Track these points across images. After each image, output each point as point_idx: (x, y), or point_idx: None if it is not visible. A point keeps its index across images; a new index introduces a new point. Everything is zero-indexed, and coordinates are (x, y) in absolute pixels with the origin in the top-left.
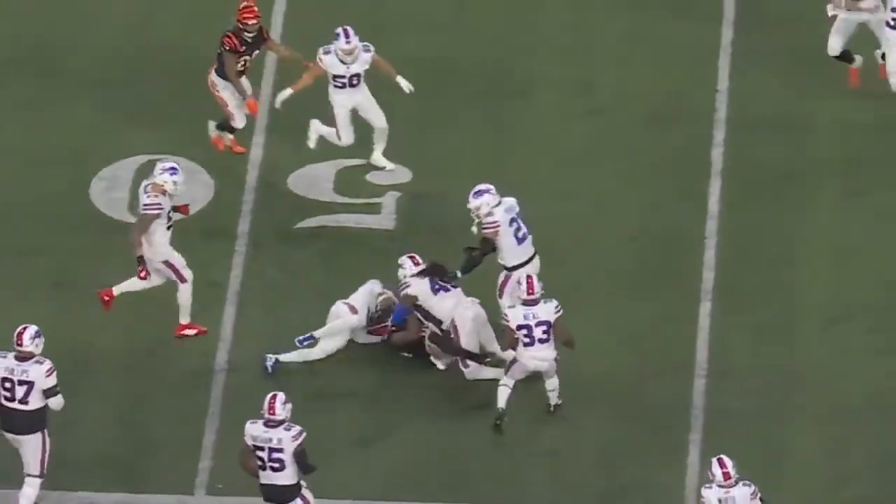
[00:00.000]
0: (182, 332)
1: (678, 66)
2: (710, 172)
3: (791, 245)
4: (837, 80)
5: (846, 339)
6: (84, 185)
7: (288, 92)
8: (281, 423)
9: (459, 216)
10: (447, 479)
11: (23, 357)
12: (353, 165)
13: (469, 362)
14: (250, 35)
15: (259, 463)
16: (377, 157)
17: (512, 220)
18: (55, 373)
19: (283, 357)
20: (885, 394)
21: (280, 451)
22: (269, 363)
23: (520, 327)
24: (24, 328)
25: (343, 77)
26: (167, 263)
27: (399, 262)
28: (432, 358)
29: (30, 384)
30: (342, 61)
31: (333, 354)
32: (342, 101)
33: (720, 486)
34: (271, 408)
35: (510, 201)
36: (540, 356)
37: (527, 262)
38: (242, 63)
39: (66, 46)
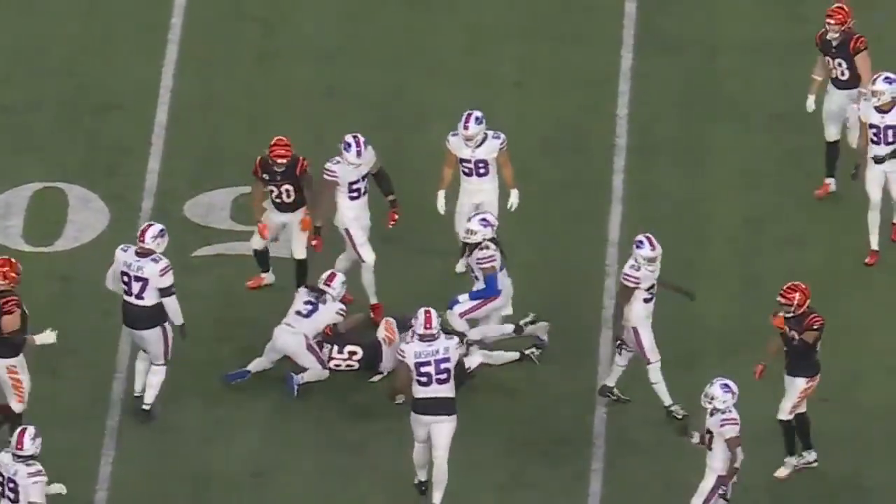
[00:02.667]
0: None
1: (577, 92)
2: (612, 199)
3: (692, 272)
4: (735, 106)
5: (748, 367)
6: None
7: (441, 196)
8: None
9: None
10: None
11: (142, 253)
12: (249, 193)
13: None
14: (279, 170)
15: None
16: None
17: None
18: (171, 272)
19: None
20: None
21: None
22: (296, 383)
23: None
24: (149, 225)
25: (468, 162)
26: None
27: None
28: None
29: (144, 281)
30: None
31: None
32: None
33: None
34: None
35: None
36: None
37: None
38: (273, 192)
39: None
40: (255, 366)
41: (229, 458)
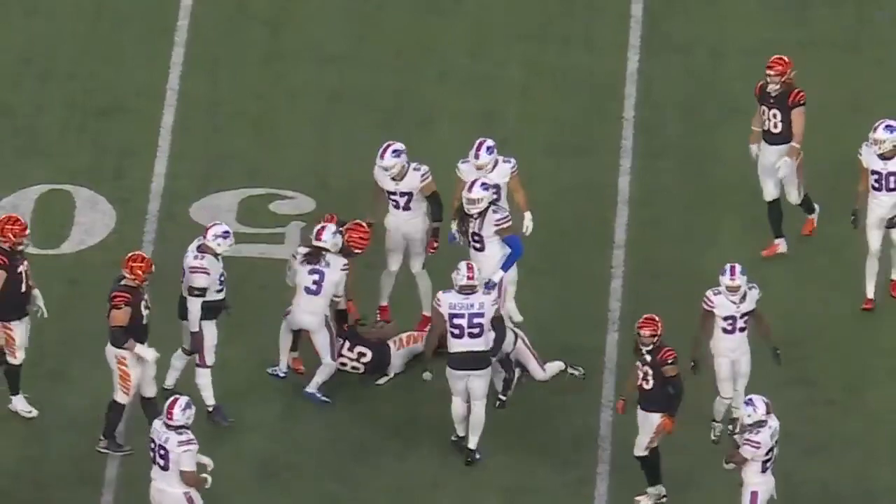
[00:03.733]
0: None
1: (583, 94)
2: (617, 202)
3: (698, 275)
4: (742, 109)
5: (754, 371)
6: None
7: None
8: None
9: None
10: None
11: (200, 248)
12: (256, 195)
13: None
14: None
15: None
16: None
17: None
18: (203, 275)
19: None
20: (791, 425)
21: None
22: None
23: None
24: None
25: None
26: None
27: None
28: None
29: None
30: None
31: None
32: None
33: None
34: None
35: None
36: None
37: None
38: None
39: None
40: (283, 365)
41: (237, 459)
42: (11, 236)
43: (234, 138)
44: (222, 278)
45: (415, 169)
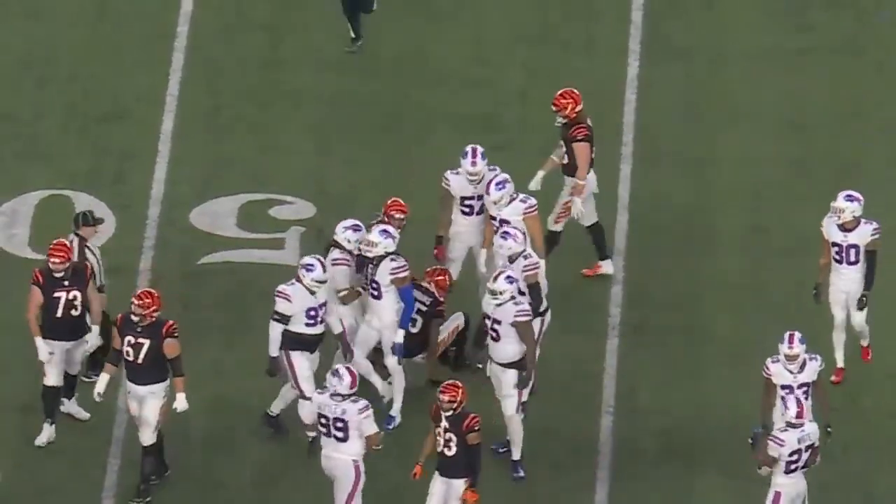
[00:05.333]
0: None
1: (583, 100)
2: (617, 207)
3: (698, 280)
4: (742, 114)
5: (753, 375)
6: None
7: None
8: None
9: None
10: None
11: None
12: (256, 200)
13: None
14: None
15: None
16: None
17: None
18: (282, 300)
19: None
20: None
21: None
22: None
23: None
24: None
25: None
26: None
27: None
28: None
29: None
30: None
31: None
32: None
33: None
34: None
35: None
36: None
37: None
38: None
39: None
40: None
41: (236, 466)
42: (50, 258)
43: (234, 144)
44: (313, 313)
45: (491, 168)
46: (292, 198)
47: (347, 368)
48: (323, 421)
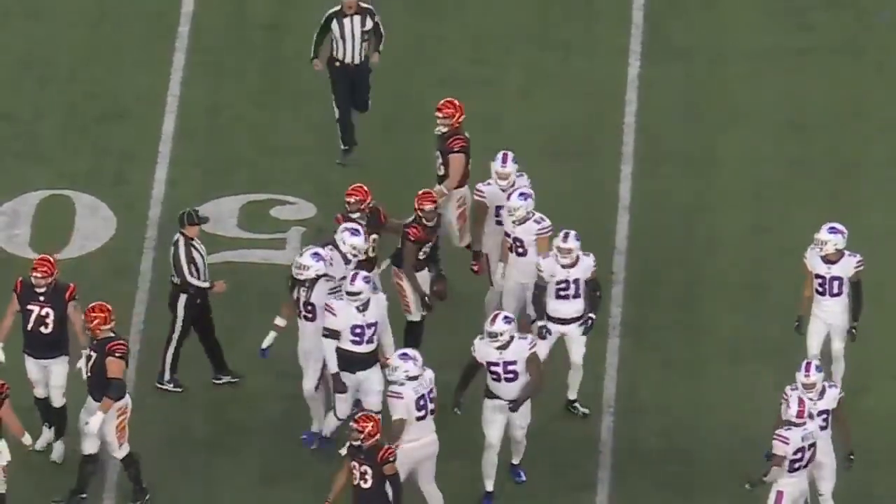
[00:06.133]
0: None
1: (584, 100)
2: (618, 207)
3: (699, 280)
4: (743, 114)
5: (755, 375)
6: None
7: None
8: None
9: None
10: None
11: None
12: (258, 200)
13: None
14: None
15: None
16: None
17: None
18: (329, 316)
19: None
20: None
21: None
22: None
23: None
24: (356, 273)
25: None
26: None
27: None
28: None
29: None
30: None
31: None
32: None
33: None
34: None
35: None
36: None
37: None
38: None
39: None
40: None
41: (236, 466)
42: (33, 272)
43: (235, 144)
44: (359, 330)
45: (519, 174)
46: (293, 198)
47: (412, 352)
48: (421, 403)
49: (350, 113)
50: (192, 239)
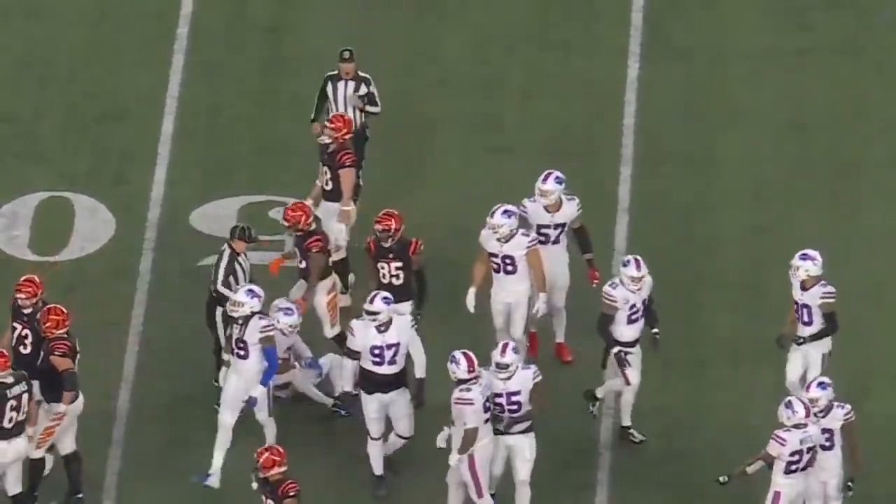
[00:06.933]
0: None
1: (583, 100)
2: (617, 209)
3: (699, 280)
4: (743, 115)
5: (755, 375)
6: None
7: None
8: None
9: (364, 253)
10: None
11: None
12: (256, 202)
13: None
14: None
15: None
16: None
17: None
18: (349, 336)
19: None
20: None
21: None
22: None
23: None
24: (376, 293)
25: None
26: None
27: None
28: None
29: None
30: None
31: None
32: None
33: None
34: (503, 352)
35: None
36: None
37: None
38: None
39: None
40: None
41: (235, 466)
42: (17, 292)
43: (235, 145)
44: (377, 351)
45: (569, 199)
46: (293, 199)
47: (463, 353)
48: (487, 405)
49: None
50: (239, 254)
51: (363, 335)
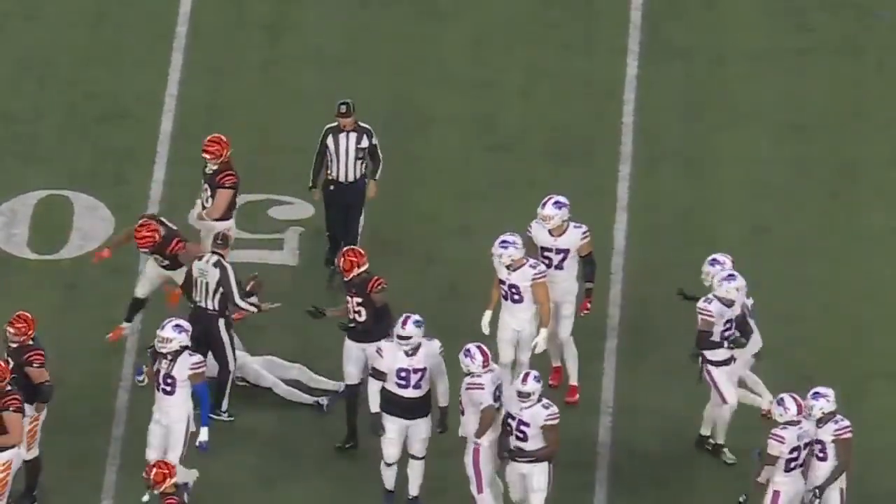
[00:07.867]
0: None
1: (582, 100)
2: (616, 207)
3: (699, 281)
4: (742, 114)
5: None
6: None
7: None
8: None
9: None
10: None
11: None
12: (255, 200)
13: None
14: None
15: None
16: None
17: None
18: (376, 359)
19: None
20: None
21: None
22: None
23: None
24: (408, 316)
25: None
26: None
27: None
28: None
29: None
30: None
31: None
32: None
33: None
34: (525, 381)
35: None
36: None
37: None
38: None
39: None
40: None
41: (234, 467)
42: (8, 327)
43: (233, 144)
44: (403, 374)
45: (576, 226)
46: (291, 198)
47: (478, 346)
48: (497, 394)
49: (339, 243)
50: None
51: (392, 357)
